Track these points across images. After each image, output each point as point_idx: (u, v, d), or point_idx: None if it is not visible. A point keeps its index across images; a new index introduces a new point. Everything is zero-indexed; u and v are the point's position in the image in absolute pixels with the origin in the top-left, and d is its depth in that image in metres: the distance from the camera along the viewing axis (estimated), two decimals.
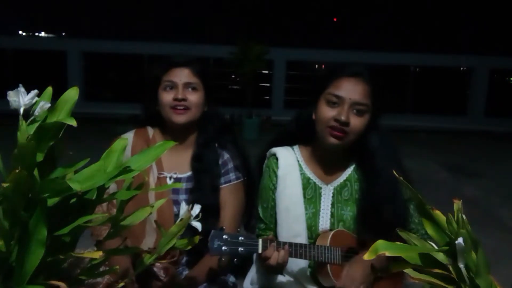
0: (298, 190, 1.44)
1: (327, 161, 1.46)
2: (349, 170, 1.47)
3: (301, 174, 1.46)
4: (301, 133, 1.49)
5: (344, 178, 1.46)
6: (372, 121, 1.38)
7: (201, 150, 1.54)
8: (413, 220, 1.42)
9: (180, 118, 1.48)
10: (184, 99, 1.47)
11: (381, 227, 1.30)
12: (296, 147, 1.51)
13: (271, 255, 1.23)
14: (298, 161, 1.48)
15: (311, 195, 1.45)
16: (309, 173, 1.47)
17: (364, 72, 1.37)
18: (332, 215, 1.43)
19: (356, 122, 1.34)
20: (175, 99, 1.47)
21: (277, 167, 1.47)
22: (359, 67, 1.38)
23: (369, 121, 1.36)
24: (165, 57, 1.55)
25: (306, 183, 1.46)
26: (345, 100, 1.33)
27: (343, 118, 1.32)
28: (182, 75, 1.49)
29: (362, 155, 1.42)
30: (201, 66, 1.53)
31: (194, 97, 1.49)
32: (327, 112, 1.35)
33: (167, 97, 1.48)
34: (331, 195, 1.45)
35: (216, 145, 1.57)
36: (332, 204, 1.44)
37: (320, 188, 1.45)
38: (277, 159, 1.48)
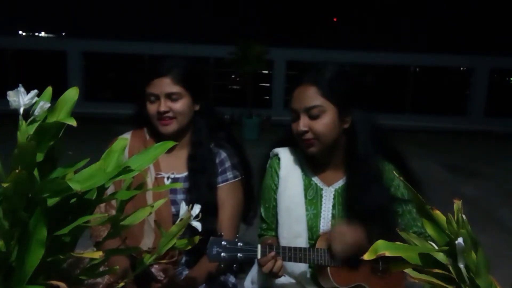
0: (299, 191, 1.44)
1: (328, 163, 1.46)
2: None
3: (302, 175, 1.46)
4: None
5: (345, 180, 1.46)
6: (343, 114, 1.36)
7: (195, 149, 1.53)
8: (415, 224, 1.42)
9: (167, 129, 1.47)
10: (167, 111, 1.46)
11: (364, 214, 1.32)
12: (299, 148, 1.50)
13: (266, 264, 1.23)
14: (301, 162, 1.48)
15: (312, 196, 1.44)
16: (310, 174, 1.47)
17: (310, 73, 1.36)
18: (333, 216, 1.42)
19: (316, 126, 1.34)
20: (158, 112, 1.46)
21: (279, 167, 1.47)
22: (306, 70, 1.38)
23: (335, 117, 1.34)
24: (151, 63, 1.53)
25: (308, 184, 1.46)
26: (299, 110, 1.35)
27: (299, 128, 1.35)
28: (162, 86, 1.45)
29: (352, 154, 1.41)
30: (184, 70, 1.48)
31: (177, 106, 1.47)
32: (294, 127, 1.39)
33: (152, 109, 1.47)
34: (332, 196, 1.44)
35: (213, 144, 1.56)
36: (333, 206, 1.43)
37: (322, 189, 1.45)
38: (279, 159, 1.48)
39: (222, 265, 1.20)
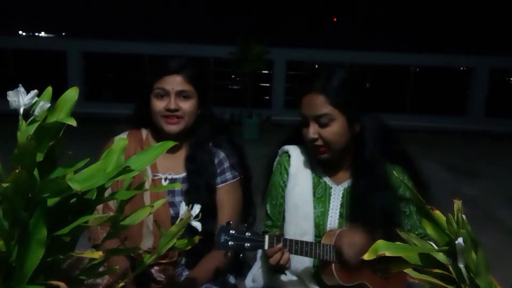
0: (308, 188, 1.44)
1: (337, 163, 1.46)
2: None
3: (312, 172, 1.47)
4: None
5: (351, 182, 1.45)
6: (352, 121, 1.36)
7: (194, 151, 1.52)
8: (421, 225, 1.42)
9: (172, 128, 1.46)
10: (176, 109, 1.45)
11: (369, 216, 1.32)
12: None
13: (273, 255, 1.23)
14: (310, 160, 1.48)
15: (321, 194, 1.45)
16: (320, 173, 1.47)
17: (319, 81, 1.34)
18: (340, 215, 1.43)
19: (325, 133, 1.34)
20: (167, 109, 1.44)
21: (289, 165, 1.47)
22: (315, 77, 1.36)
23: (344, 124, 1.34)
24: (160, 60, 1.51)
25: (317, 182, 1.46)
26: (308, 118, 1.35)
27: (309, 136, 1.34)
28: (174, 83, 1.44)
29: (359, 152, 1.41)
30: (195, 71, 1.48)
31: (186, 106, 1.46)
32: (304, 132, 1.38)
33: (159, 105, 1.45)
34: (341, 195, 1.45)
35: (211, 144, 1.55)
36: (341, 205, 1.44)
37: (331, 187, 1.45)
38: (289, 156, 1.48)
39: (229, 254, 1.20)
